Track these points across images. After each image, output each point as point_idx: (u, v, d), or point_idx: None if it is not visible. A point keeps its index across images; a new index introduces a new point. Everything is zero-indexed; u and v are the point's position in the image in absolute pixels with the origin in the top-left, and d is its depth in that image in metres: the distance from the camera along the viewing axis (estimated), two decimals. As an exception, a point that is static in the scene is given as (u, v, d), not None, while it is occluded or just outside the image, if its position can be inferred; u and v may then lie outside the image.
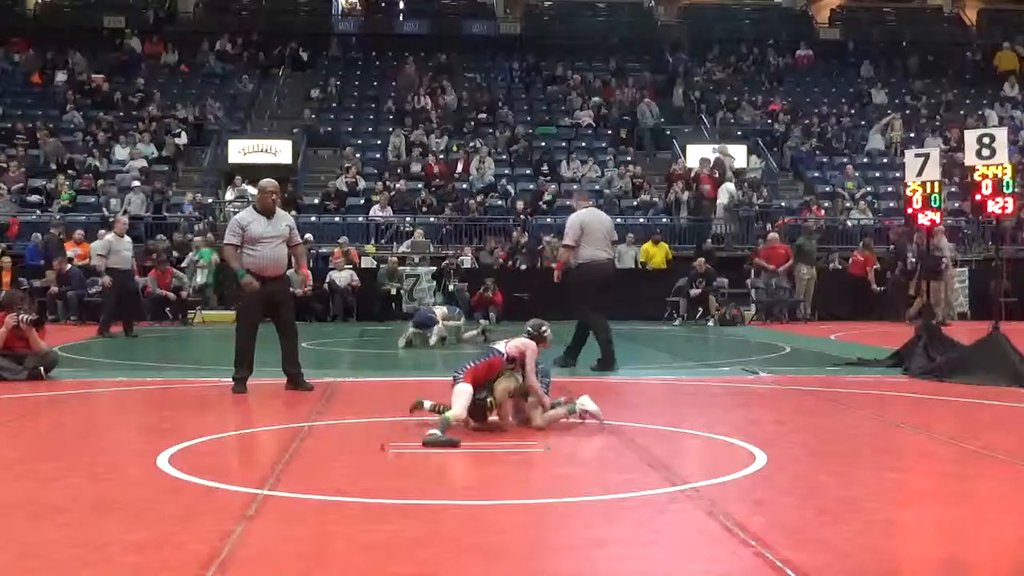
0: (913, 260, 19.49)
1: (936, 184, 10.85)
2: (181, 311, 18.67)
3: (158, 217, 22.09)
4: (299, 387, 9.03)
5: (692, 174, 24.20)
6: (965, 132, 11.87)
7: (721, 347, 15.18)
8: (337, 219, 22.67)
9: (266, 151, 25.14)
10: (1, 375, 9.67)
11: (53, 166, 24.03)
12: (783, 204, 24.54)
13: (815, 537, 4.23)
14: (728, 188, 23.20)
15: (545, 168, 25.11)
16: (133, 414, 8.31)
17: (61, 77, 28.55)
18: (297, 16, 34.78)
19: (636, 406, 8.59)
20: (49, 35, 31.22)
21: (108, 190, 22.66)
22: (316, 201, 23.68)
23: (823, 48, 33.80)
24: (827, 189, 25.37)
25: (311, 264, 19.85)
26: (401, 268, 20.06)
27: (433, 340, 13.87)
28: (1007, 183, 9.91)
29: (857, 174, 25.68)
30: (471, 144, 25.90)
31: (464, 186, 24.27)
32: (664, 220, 23.20)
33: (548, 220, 22.97)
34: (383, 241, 22.00)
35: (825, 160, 27.02)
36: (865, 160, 27.15)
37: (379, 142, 26.98)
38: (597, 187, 24.40)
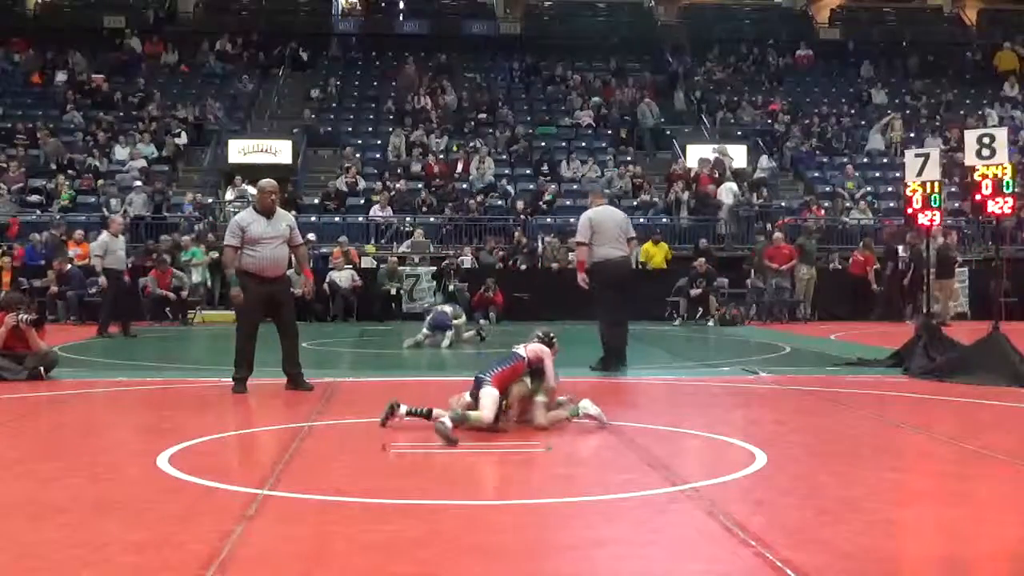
0: (906, 260, 19.56)
1: (936, 184, 10.86)
2: (181, 311, 18.67)
3: (158, 217, 22.09)
4: (299, 387, 9.03)
5: (692, 174, 24.21)
6: (965, 132, 11.88)
7: (721, 347, 15.18)
8: (337, 219, 22.68)
9: (266, 151, 25.15)
10: (1, 375, 9.67)
11: (53, 166, 24.03)
12: (783, 204, 24.54)
13: (815, 537, 4.23)
14: (732, 188, 23.23)
15: (545, 168, 25.11)
16: (133, 414, 8.30)
17: (61, 77, 28.55)
18: (297, 16, 34.78)
19: (636, 406, 8.59)
20: (49, 35, 31.22)
21: (108, 190, 22.65)
22: (316, 201, 23.68)
23: (823, 48, 33.80)
24: (827, 189, 25.38)
25: (312, 264, 19.93)
26: (401, 268, 20.07)
27: (445, 343, 13.86)
28: (1007, 183, 9.91)
29: (857, 174, 25.69)
30: (471, 144, 25.90)
31: (464, 186, 24.27)
32: (664, 220, 23.20)
33: (548, 220, 23.01)
34: (383, 241, 22.00)
35: (825, 160, 27.03)
36: (865, 160, 27.16)
37: (379, 142, 26.99)
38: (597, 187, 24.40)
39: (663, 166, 26.14)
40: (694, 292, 19.13)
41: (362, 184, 23.92)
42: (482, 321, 18.27)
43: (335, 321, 19.22)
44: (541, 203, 23.49)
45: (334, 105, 29.19)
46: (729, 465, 5.84)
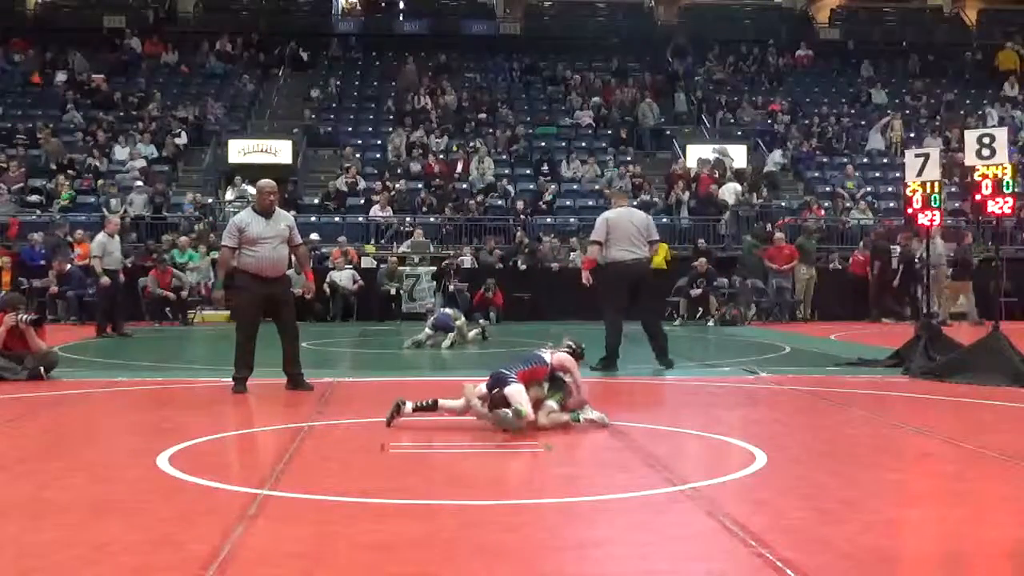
0: (897, 260, 19.63)
1: (936, 184, 10.85)
2: (181, 311, 18.67)
3: (158, 217, 22.08)
4: (299, 387, 9.02)
5: (692, 174, 24.21)
6: (965, 132, 11.88)
7: (721, 347, 15.18)
8: (337, 219, 22.67)
9: (266, 151, 25.15)
10: (1, 375, 9.68)
11: (53, 166, 24.03)
12: (783, 204, 24.54)
13: (815, 537, 4.23)
14: (735, 188, 23.24)
15: (545, 168, 25.10)
16: (133, 414, 8.30)
17: (61, 77, 28.54)
18: (297, 16, 34.78)
19: (636, 406, 8.59)
20: (49, 35, 31.23)
21: (108, 190, 22.66)
22: (316, 201, 23.69)
23: (823, 48, 33.80)
24: (827, 189, 25.37)
25: (312, 264, 19.93)
26: (401, 268, 20.06)
27: (447, 343, 13.89)
28: (1007, 183, 9.91)
29: (857, 174, 25.68)
30: (471, 144, 25.90)
31: (464, 186, 24.27)
32: (664, 220, 23.19)
33: (548, 220, 23.01)
34: (383, 241, 22.00)
35: (825, 160, 27.01)
36: (865, 160, 27.15)
37: (379, 142, 26.98)
38: (597, 187, 24.41)
39: (663, 166, 26.14)
40: (694, 292, 19.13)
41: (362, 184, 23.92)
42: (482, 321, 18.27)
43: (335, 321, 19.22)
44: (541, 203, 23.49)
45: (334, 105, 29.18)
46: (729, 465, 5.84)
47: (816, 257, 20.81)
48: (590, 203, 24.05)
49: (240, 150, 25.13)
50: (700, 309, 19.28)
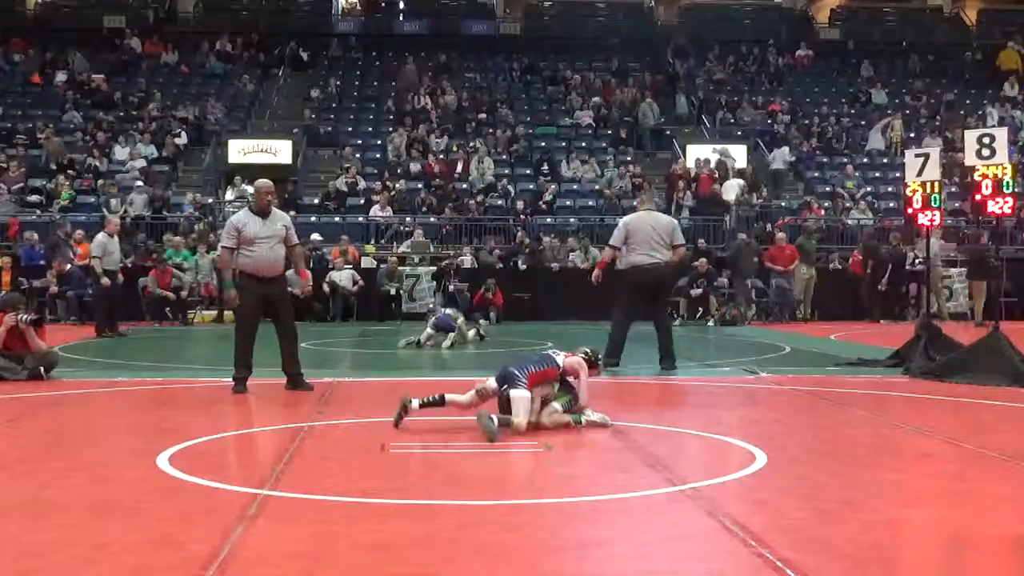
0: (886, 261, 19.69)
1: (936, 184, 10.86)
2: (181, 311, 18.67)
3: (158, 217, 22.09)
4: (299, 387, 9.02)
5: (692, 175, 24.21)
6: (965, 132, 11.88)
7: (721, 347, 15.18)
8: (337, 219, 22.67)
9: (266, 151, 25.15)
10: (1, 375, 9.67)
11: (53, 166, 24.03)
12: (783, 204, 24.54)
13: (815, 537, 4.23)
14: (738, 183, 23.25)
15: (545, 168, 25.10)
16: (133, 414, 8.30)
17: (61, 77, 28.53)
18: (297, 16, 34.77)
19: (636, 406, 8.58)
20: (49, 35, 31.23)
21: (108, 190, 22.66)
22: (316, 201, 23.68)
23: (823, 48, 33.79)
24: (827, 189, 25.37)
25: (312, 264, 19.93)
26: (401, 268, 20.06)
27: (447, 343, 13.89)
28: (1007, 183, 9.92)
29: (857, 174, 25.68)
30: (471, 144, 25.90)
31: (464, 186, 24.26)
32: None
33: (548, 220, 23.01)
34: (383, 241, 22.00)
35: (825, 160, 27.01)
36: (865, 160, 27.14)
37: (379, 142, 26.97)
38: (597, 187, 24.42)
39: (663, 166, 26.13)
40: (694, 292, 19.13)
41: (362, 184, 23.92)
42: (482, 321, 18.27)
43: (335, 321, 19.21)
44: (541, 203, 23.49)
45: (334, 105, 29.17)
46: (729, 465, 5.84)
47: (816, 257, 20.80)
48: (590, 203, 24.06)
49: (240, 150, 25.12)
50: (700, 309, 19.28)
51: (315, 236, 20.85)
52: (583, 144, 26.94)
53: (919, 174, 10.88)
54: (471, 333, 14.73)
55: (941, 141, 25.51)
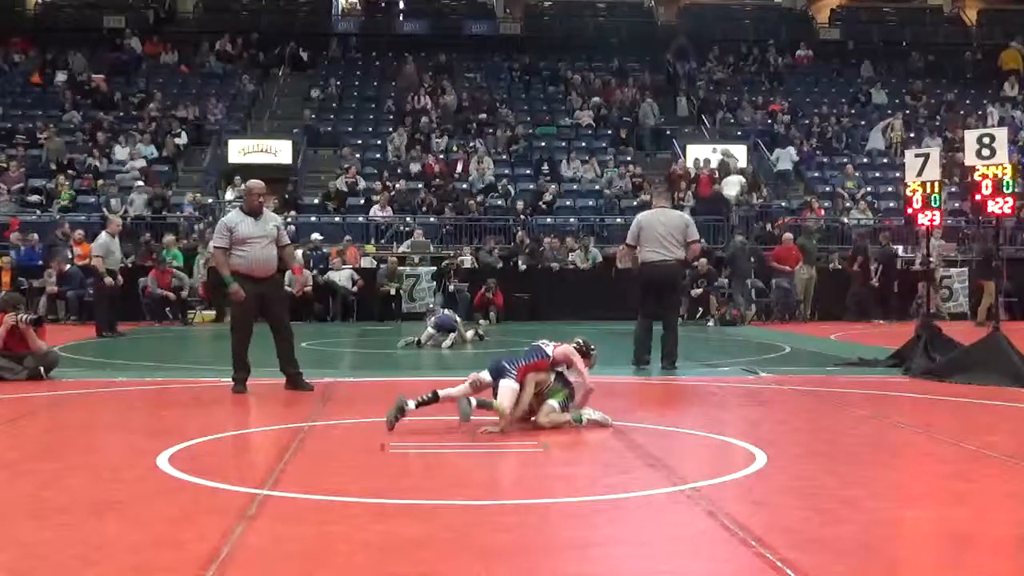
0: (876, 260, 19.73)
1: (936, 184, 10.86)
2: (181, 311, 18.67)
3: (157, 217, 22.09)
4: (298, 387, 9.03)
5: (693, 175, 24.20)
6: (965, 132, 11.88)
7: (721, 347, 15.18)
8: (337, 219, 22.68)
9: (266, 151, 25.15)
10: (1, 375, 9.68)
11: (53, 166, 24.04)
12: (783, 204, 24.53)
13: (815, 537, 4.23)
14: (738, 180, 23.25)
15: (545, 168, 25.11)
16: (133, 414, 8.30)
17: (61, 77, 28.55)
18: (297, 16, 34.77)
19: (636, 406, 8.58)
20: (49, 35, 31.25)
21: (108, 190, 22.66)
22: (316, 201, 23.69)
23: (823, 48, 33.79)
24: (827, 189, 25.37)
25: (313, 264, 19.94)
26: (401, 268, 20.06)
27: (447, 343, 13.89)
28: (1007, 183, 9.91)
29: (857, 174, 25.67)
30: (471, 144, 25.90)
31: (464, 186, 24.27)
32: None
33: (548, 220, 23.01)
34: (383, 241, 22.00)
35: (825, 160, 27.02)
36: (865, 160, 27.14)
37: (379, 142, 26.98)
38: (597, 187, 24.42)
39: (663, 166, 26.13)
40: (694, 292, 19.13)
41: (362, 184, 23.92)
42: (482, 321, 18.28)
43: (335, 321, 19.22)
44: (541, 203, 23.49)
45: (334, 105, 29.18)
46: (729, 465, 5.84)
47: (816, 257, 20.80)
48: (590, 203, 24.07)
49: (240, 150, 25.13)
50: (700, 309, 19.28)
51: (315, 236, 20.86)
52: (583, 144, 26.95)
53: (919, 174, 10.88)
54: (470, 334, 14.74)
55: (941, 141, 25.52)
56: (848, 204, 24.18)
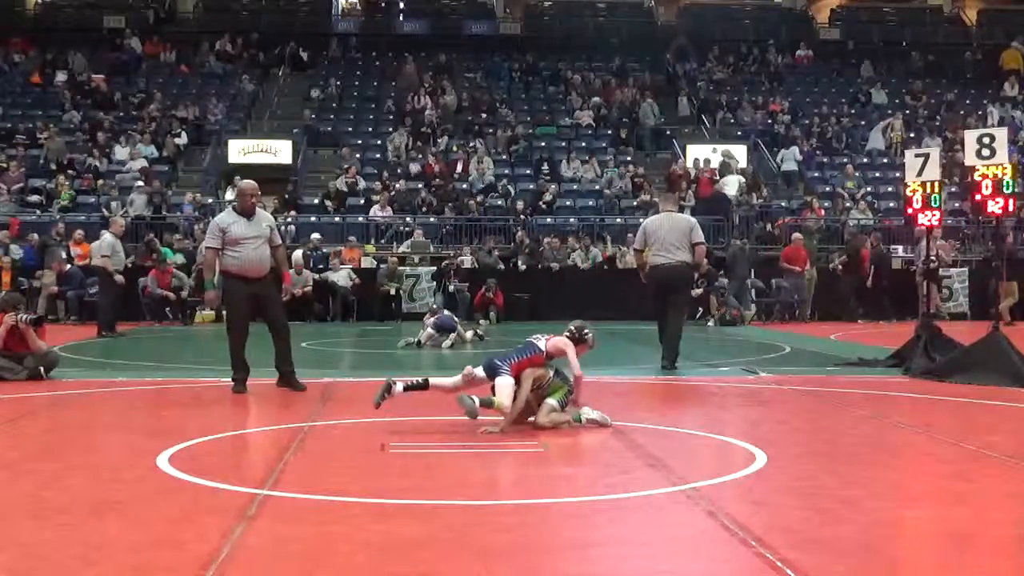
0: (870, 261, 19.76)
1: (936, 184, 10.85)
2: (181, 311, 18.67)
3: (157, 217, 22.08)
4: (291, 386, 9.04)
5: (693, 175, 24.20)
6: (965, 132, 11.87)
7: (721, 347, 15.18)
8: (337, 219, 22.68)
9: (266, 151, 25.16)
10: (1, 375, 9.67)
11: (53, 166, 24.04)
12: (783, 204, 24.53)
13: (815, 537, 4.23)
14: (738, 180, 23.25)
15: (545, 168, 25.10)
16: (133, 414, 8.30)
17: (61, 77, 28.55)
18: (297, 16, 34.79)
19: (636, 406, 8.58)
20: (49, 35, 31.26)
21: (108, 190, 22.66)
22: (316, 201, 23.69)
23: (823, 48, 33.79)
24: (827, 189, 25.37)
25: (313, 264, 19.94)
26: (401, 268, 20.06)
27: (447, 343, 13.90)
28: (1007, 183, 9.91)
29: (857, 174, 25.67)
30: (471, 144, 25.90)
31: (464, 186, 24.27)
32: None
33: (548, 220, 23.01)
34: (383, 241, 22.00)
35: (825, 160, 27.01)
36: (865, 160, 27.14)
37: (379, 142, 26.98)
38: (597, 187, 24.41)
39: (663, 166, 26.14)
40: (695, 292, 19.10)
41: (362, 184, 23.92)
42: (482, 321, 18.29)
43: (334, 321, 19.21)
44: (541, 203, 23.49)
45: (334, 105, 29.18)
46: (729, 465, 5.84)
47: (816, 257, 20.80)
48: (590, 203, 24.06)
49: (240, 150, 25.13)
50: (700, 309, 19.27)
51: (315, 236, 20.86)
52: (583, 144, 26.95)
53: (919, 174, 10.88)
54: (469, 334, 14.75)
55: (941, 141, 25.52)
56: (848, 204, 24.17)
